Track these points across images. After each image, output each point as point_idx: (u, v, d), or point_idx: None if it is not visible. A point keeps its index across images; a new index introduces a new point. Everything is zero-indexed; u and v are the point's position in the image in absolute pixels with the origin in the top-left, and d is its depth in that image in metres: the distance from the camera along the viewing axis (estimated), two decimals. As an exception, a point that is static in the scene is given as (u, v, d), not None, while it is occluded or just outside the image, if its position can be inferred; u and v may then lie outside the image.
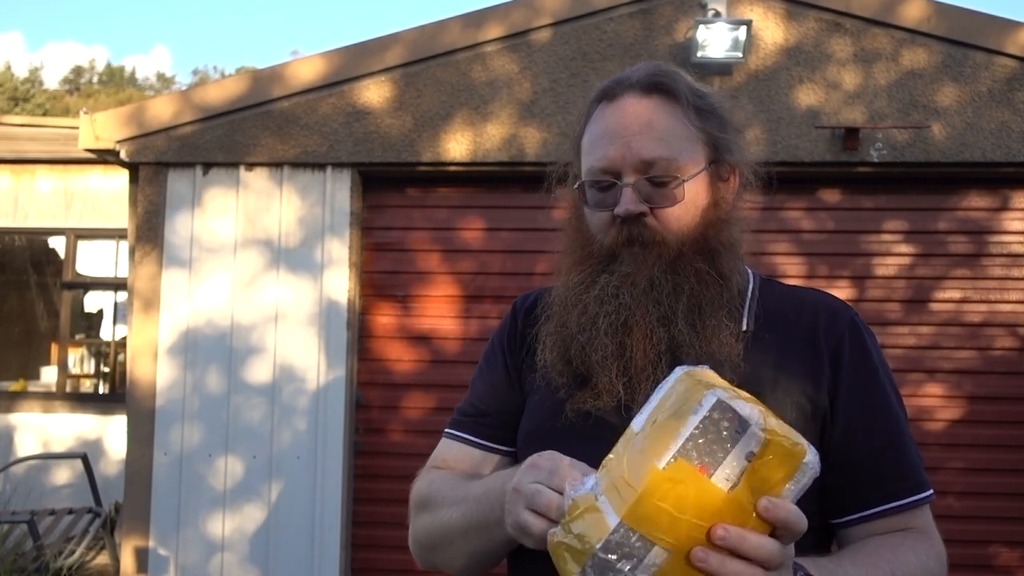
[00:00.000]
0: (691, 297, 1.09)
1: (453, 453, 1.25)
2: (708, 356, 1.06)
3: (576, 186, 1.16)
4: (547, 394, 1.16)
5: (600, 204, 1.13)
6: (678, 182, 1.10)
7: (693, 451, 0.79)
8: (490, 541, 1.08)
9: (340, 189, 4.58)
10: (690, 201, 1.12)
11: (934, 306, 4.52)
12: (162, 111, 4.61)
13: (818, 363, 1.12)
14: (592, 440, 1.02)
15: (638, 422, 0.84)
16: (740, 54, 4.30)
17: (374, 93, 4.56)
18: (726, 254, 1.14)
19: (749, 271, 1.21)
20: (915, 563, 1.03)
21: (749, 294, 1.17)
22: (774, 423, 0.80)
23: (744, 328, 1.13)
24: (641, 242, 1.11)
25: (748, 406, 0.80)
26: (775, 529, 0.80)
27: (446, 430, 1.29)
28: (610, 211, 1.12)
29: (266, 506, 4.44)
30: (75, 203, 7.36)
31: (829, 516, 1.11)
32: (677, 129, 1.12)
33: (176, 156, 4.60)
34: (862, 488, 1.09)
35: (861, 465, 1.09)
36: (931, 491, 1.10)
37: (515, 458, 1.20)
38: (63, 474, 6.86)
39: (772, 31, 4.48)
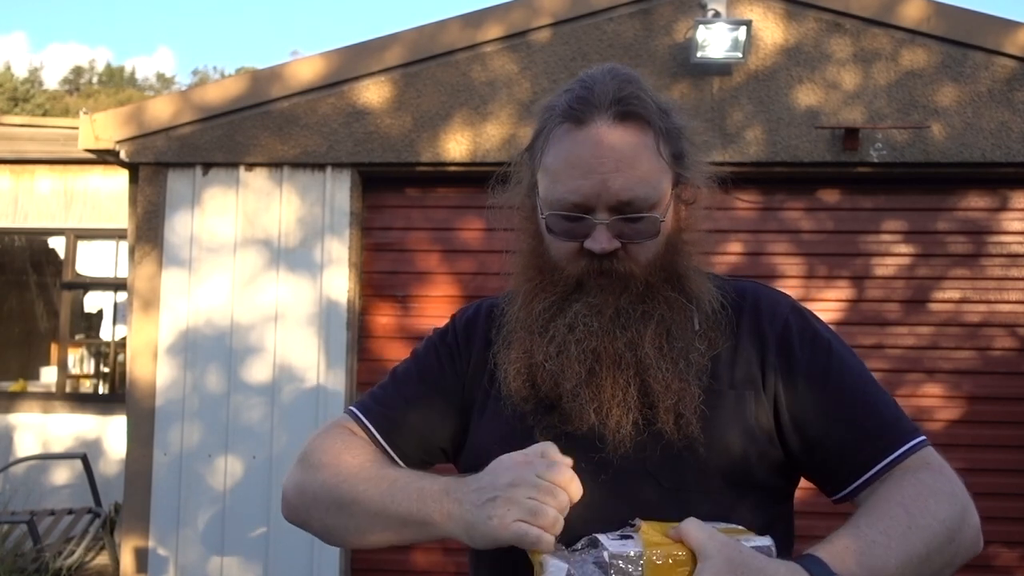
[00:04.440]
0: (660, 323, 1.10)
1: (356, 441, 1.21)
2: (676, 375, 1.08)
3: (545, 216, 1.12)
4: (511, 420, 1.14)
5: (568, 234, 1.11)
6: (654, 220, 1.10)
7: None
8: (401, 533, 1.08)
9: (340, 189, 4.58)
10: (660, 233, 1.12)
11: (933, 306, 4.52)
12: (162, 111, 4.61)
13: (764, 352, 1.14)
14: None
15: None
16: (740, 54, 4.30)
17: (374, 93, 4.56)
18: (693, 275, 1.14)
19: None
20: (924, 491, 1.03)
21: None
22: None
23: (696, 328, 1.14)
24: (611, 275, 1.10)
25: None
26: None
27: (355, 411, 1.25)
28: (578, 242, 1.10)
29: (266, 506, 4.44)
30: (75, 203, 7.36)
31: (833, 492, 1.13)
32: (651, 164, 1.09)
33: (176, 156, 4.60)
34: (855, 456, 1.09)
35: (845, 436, 1.10)
36: (921, 436, 1.10)
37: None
38: (63, 474, 6.85)
39: (772, 31, 4.48)
